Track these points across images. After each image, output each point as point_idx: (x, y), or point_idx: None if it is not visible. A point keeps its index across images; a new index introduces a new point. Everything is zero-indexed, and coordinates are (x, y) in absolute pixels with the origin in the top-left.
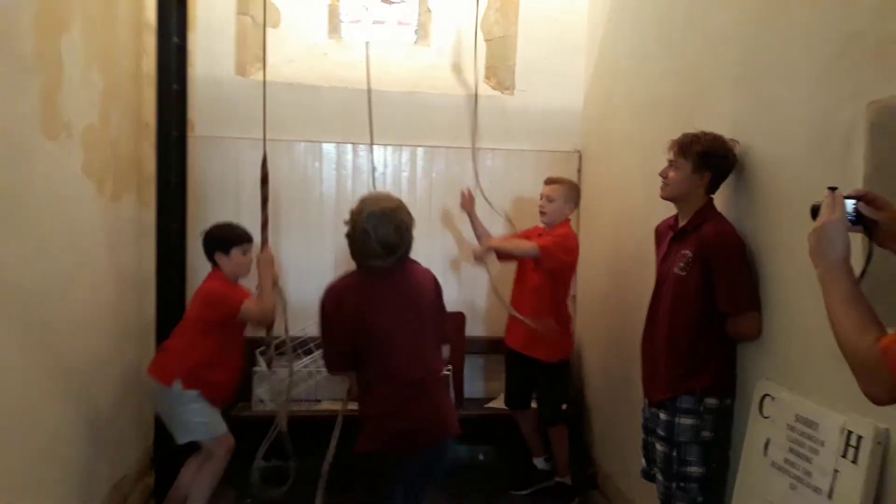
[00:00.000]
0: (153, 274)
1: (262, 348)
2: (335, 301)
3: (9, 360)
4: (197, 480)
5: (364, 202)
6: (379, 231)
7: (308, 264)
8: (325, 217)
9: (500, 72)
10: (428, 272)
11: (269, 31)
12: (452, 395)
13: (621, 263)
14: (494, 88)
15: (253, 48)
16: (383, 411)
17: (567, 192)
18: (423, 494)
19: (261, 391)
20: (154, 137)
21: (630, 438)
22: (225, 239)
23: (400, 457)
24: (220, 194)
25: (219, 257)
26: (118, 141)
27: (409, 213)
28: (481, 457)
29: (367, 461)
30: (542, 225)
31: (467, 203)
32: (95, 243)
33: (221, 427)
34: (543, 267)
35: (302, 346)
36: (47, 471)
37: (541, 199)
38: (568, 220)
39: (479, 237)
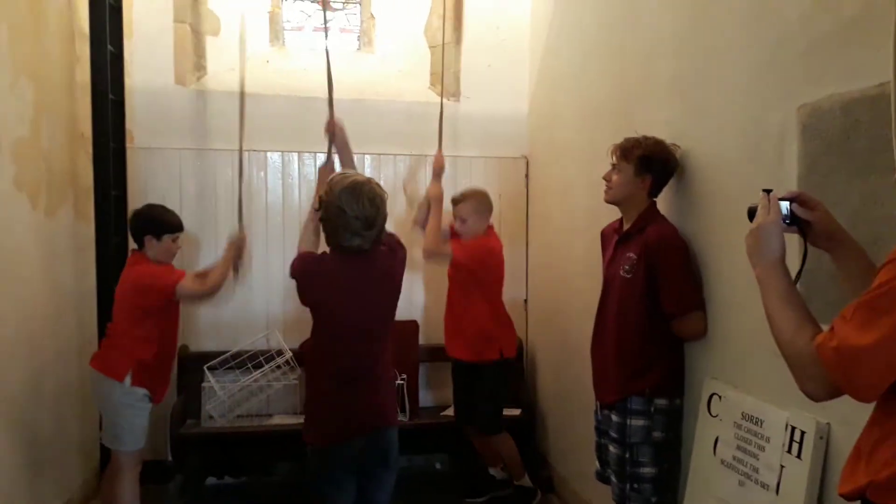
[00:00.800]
0: (93, 288)
1: (210, 363)
2: (304, 267)
3: None
4: (119, 499)
5: (333, 181)
6: (354, 206)
7: (255, 275)
8: (272, 227)
9: (444, 78)
10: (396, 245)
11: (209, 39)
12: (407, 405)
13: (569, 267)
14: (439, 95)
15: (191, 56)
16: (324, 402)
17: (476, 205)
18: (382, 493)
19: (210, 408)
20: (91, 149)
21: (584, 441)
22: (160, 223)
23: (343, 445)
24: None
25: (148, 240)
26: (52, 153)
27: (380, 186)
28: (438, 466)
29: (314, 453)
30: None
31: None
32: (29, 259)
33: (140, 441)
34: (460, 274)
35: (252, 360)
36: None
37: (454, 219)
38: (489, 227)
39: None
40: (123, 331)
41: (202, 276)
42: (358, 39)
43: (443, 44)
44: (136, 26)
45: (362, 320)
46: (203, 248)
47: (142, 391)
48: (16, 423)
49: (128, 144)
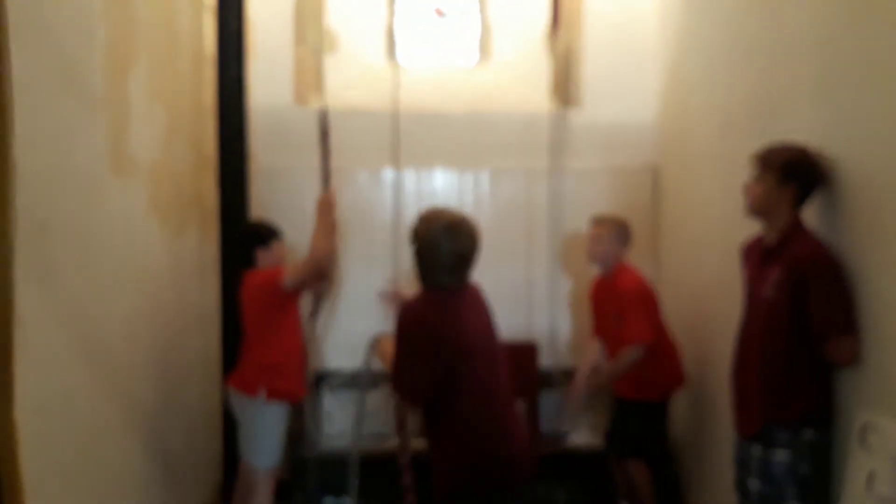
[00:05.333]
0: (216, 307)
1: (329, 382)
2: (417, 320)
3: (80, 398)
4: None
5: (428, 217)
6: (452, 243)
7: (369, 293)
8: (387, 245)
9: (565, 86)
10: (480, 292)
11: (327, 56)
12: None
13: (704, 287)
14: (560, 104)
15: (311, 75)
16: (470, 445)
17: (616, 231)
18: None
19: (329, 427)
20: (215, 170)
21: (721, 475)
22: (265, 233)
23: (487, 497)
24: (283, 224)
25: (260, 252)
26: (181, 175)
27: (473, 224)
28: (561, 498)
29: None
30: (596, 268)
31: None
32: (160, 279)
33: (277, 458)
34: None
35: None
36: None
37: (590, 239)
38: (623, 265)
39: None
40: (251, 344)
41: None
42: (475, 51)
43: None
44: (257, 48)
45: (480, 353)
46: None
47: (276, 406)
48: (149, 437)
49: (250, 165)
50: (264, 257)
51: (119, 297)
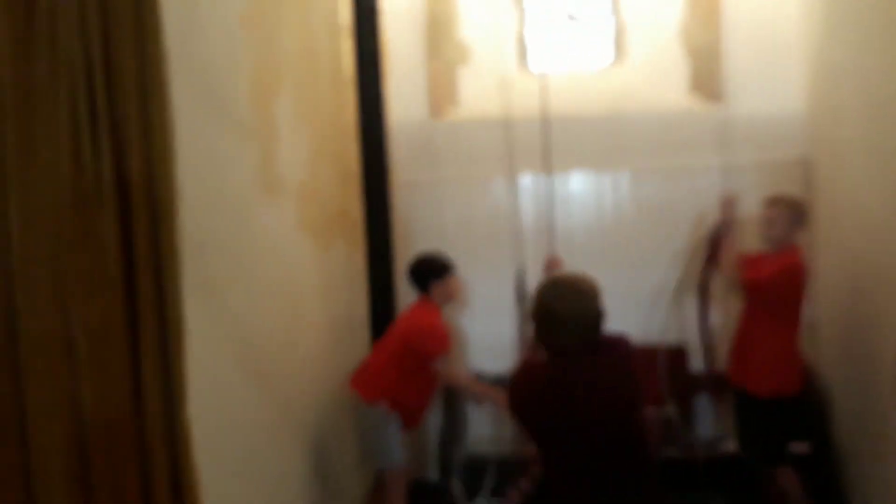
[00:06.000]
0: (364, 318)
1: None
2: (526, 386)
3: (241, 402)
4: None
5: (546, 281)
6: (563, 308)
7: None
8: (525, 253)
9: (706, 82)
10: (621, 360)
11: (460, 69)
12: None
13: (865, 286)
14: (701, 100)
15: (445, 89)
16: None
17: (791, 213)
18: None
19: (475, 428)
20: (359, 186)
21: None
22: (441, 266)
23: None
24: (423, 234)
25: (435, 285)
26: (326, 192)
27: (594, 289)
28: None
29: None
30: (766, 249)
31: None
32: (311, 290)
33: (403, 456)
34: (756, 301)
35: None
36: None
37: (761, 221)
38: (794, 247)
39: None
40: (388, 363)
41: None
42: (609, 51)
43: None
44: (392, 65)
45: (588, 435)
46: (466, 276)
47: (393, 416)
48: (305, 440)
49: (391, 179)
50: (438, 289)
51: (273, 308)
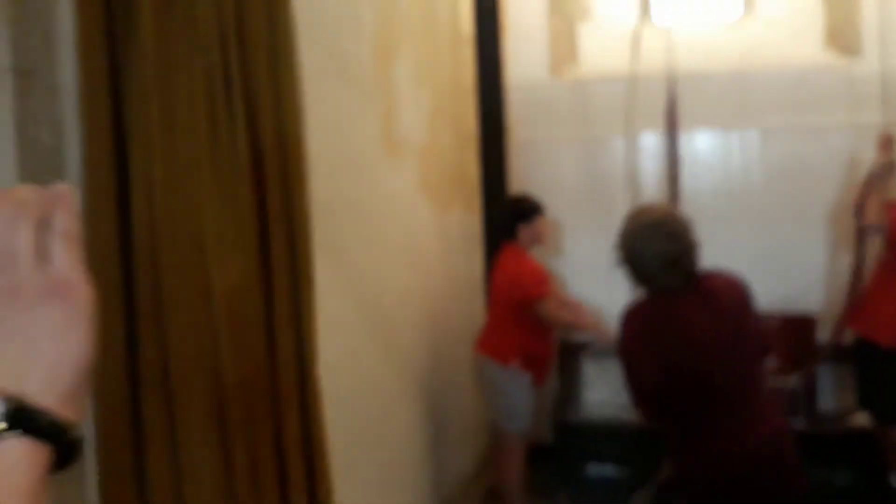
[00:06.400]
0: (480, 278)
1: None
2: (635, 328)
3: (364, 358)
4: (506, 478)
5: (626, 220)
6: (650, 246)
7: None
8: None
9: (843, 34)
10: (732, 281)
11: (580, 25)
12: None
13: None
14: (838, 54)
15: (565, 46)
16: (716, 476)
17: None
18: None
19: (590, 394)
20: (476, 146)
21: None
22: (527, 208)
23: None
24: (542, 195)
25: (522, 226)
26: (445, 153)
27: (680, 220)
28: (842, 481)
29: None
30: None
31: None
32: (430, 251)
33: (528, 422)
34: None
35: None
36: (401, 471)
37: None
38: None
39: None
40: (504, 318)
41: (564, 305)
42: (739, 4)
43: None
44: (511, 23)
45: (719, 365)
46: (585, 238)
47: (526, 376)
48: (424, 400)
49: (509, 139)
50: (525, 232)
51: (394, 267)
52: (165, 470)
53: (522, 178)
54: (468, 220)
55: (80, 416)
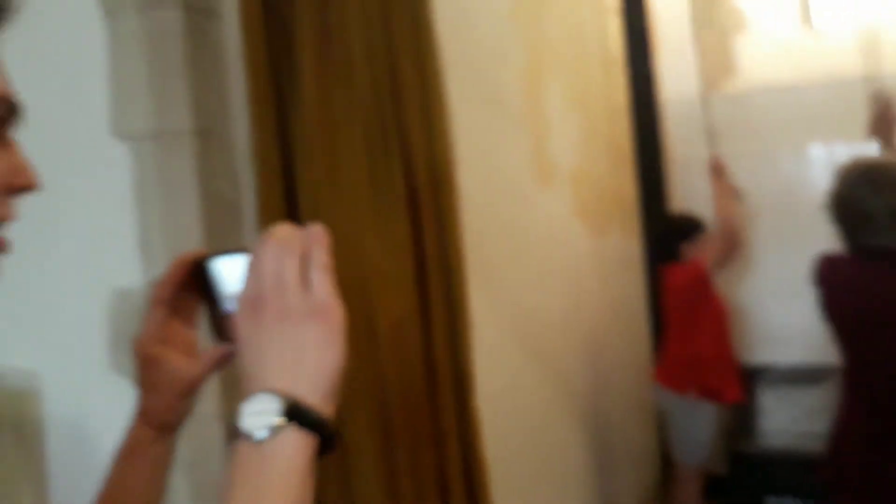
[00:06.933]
0: (642, 301)
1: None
2: (817, 275)
3: (524, 386)
4: None
5: (845, 168)
6: (876, 194)
7: (798, 280)
8: (816, 230)
9: None
10: None
11: (735, 37)
12: None
13: None
14: None
15: (719, 59)
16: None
17: None
18: None
19: (767, 423)
20: (632, 167)
21: None
22: (689, 227)
23: None
24: (704, 213)
25: (685, 246)
26: (600, 175)
27: None
28: None
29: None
30: None
31: None
32: (587, 276)
33: (706, 456)
34: None
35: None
36: (565, 501)
37: None
38: None
39: None
40: (676, 339)
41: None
42: None
43: None
44: (661, 40)
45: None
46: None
47: (707, 405)
48: (587, 427)
49: (666, 158)
50: (689, 252)
51: (551, 294)
52: (337, 500)
53: (682, 195)
54: (626, 243)
55: (333, 414)
